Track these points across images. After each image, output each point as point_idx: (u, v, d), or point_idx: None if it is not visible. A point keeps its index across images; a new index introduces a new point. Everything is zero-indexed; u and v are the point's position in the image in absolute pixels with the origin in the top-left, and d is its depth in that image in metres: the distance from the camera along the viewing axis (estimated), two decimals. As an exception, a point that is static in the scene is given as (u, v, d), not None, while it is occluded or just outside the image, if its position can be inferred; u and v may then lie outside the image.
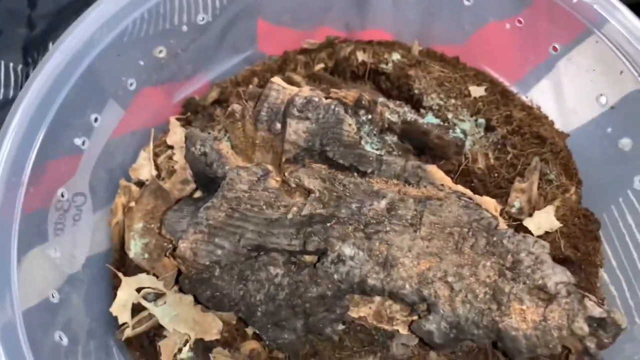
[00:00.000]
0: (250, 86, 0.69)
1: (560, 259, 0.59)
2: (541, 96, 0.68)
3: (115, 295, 0.60)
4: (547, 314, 0.49)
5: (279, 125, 0.60)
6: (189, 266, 0.54)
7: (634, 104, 0.56)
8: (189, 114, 0.71)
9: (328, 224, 0.53)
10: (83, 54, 0.58)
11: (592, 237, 0.62)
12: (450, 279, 0.50)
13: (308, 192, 0.56)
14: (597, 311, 0.50)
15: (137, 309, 0.60)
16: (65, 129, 0.57)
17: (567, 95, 0.66)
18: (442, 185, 0.58)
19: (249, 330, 0.59)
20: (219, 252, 0.53)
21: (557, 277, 0.51)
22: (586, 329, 0.49)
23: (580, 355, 0.52)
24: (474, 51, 0.73)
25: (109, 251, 0.65)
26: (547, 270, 0.51)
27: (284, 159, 0.59)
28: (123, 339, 0.58)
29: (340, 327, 0.57)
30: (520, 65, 0.70)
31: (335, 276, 0.51)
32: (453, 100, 0.68)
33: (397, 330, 0.54)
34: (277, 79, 0.62)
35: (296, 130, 0.59)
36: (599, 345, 0.51)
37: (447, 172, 0.60)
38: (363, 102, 0.63)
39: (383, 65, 0.71)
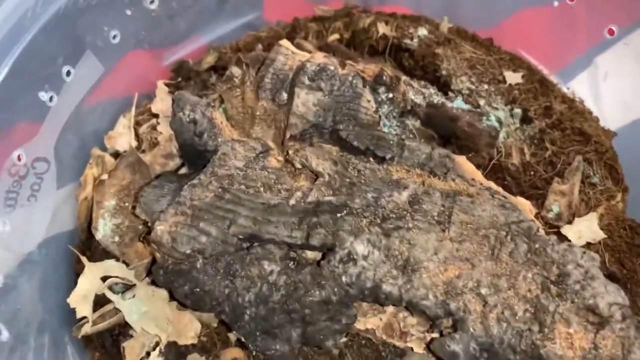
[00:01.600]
0: (253, 52, 0.60)
1: (604, 276, 0.50)
2: (586, 88, 0.60)
3: (76, 283, 0.51)
4: (598, 340, 0.41)
5: (285, 95, 0.51)
6: (165, 254, 0.44)
7: None
8: (179, 79, 0.63)
9: (338, 215, 0.44)
10: (56, -8, 0.48)
11: (639, 252, 0.53)
12: (483, 290, 0.41)
13: (315, 175, 0.47)
14: (656, 341, 0.42)
15: (100, 301, 0.51)
16: (28, 78, 0.48)
17: (617, 87, 0.57)
18: (473, 179, 0.49)
19: (232, 336, 0.50)
20: (204, 239, 0.43)
21: (610, 297, 0.42)
22: (645, 362, 0.40)
23: (632, 393, 0.43)
24: (509, 35, 0.64)
25: (73, 232, 0.55)
26: (599, 288, 0.42)
27: (288, 135, 0.50)
28: (80, 336, 0.49)
29: (343, 339, 0.48)
30: (563, 52, 0.61)
31: (344, 278, 0.42)
32: (486, 86, 0.60)
33: (411, 348, 0.46)
34: (285, 42, 0.54)
35: (305, 102, 0.50)
36: (653, 382, 0.42)
37: (477, 166, 0.52)
38: (384, 78, 0.54)
39: (407, 41, 0.63)
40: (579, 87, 0.61)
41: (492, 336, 0.41)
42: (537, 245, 0.44)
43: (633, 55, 0.54)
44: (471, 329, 0.41)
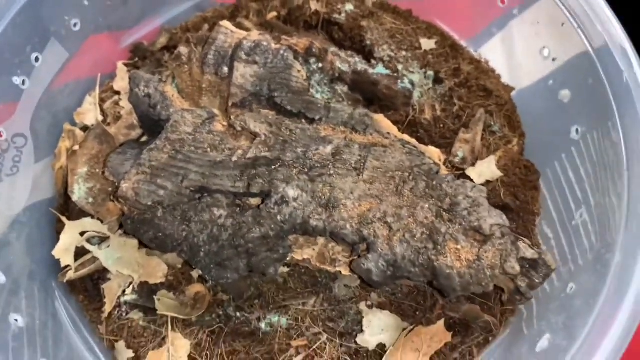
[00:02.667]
0: (200, 32, 0.68)
1: (499, 207, 0.61)
2: (491, 52, 0.69)
3: (58, 240, 0.59)
4: (481, 254, 0.51)
5: (226, 69, 0.60)
6: (131, 207, 0.53)
7: (574, 58, 0.58)
8: (137, 59, 0.70)
9: (273, 167, 0.53)
10: (21, -12, 0.55)
11: (532, 186, 0.64)
12: (389, 219, 0.52)
13: (254, 136, 0.56)
14: (529, 252, 0.52)
15: (80, 253, 0.60)
16: (3, 66, 0.55)
17: (515, 50, 0.67)
18: (389, 133, 0.59)
19: (194, 274, 0.60)
20: (162, 192, 0.53)
21: (492, 219, 0.53)
22: (518, 268, 0.51)
23: (512, 295, 0.54)
24: (427, 6, 0.73)
25: (52, 199, 0.63)
26: (483, 213, 0.53)
27: (230, 104, 0.59)
28: (65, 280, 0.58)
29: (285, 269, 0.59)
30: (473, 22, 0.70)
31: (279, 217, 0.52)
32: (404, 53, 0.69)
33: (340, 272, 0.56)
34: (225, 23, 0.62)
35: (243, 74, 0.59)
36: (530, 286, 0.53)
37: (395, 123, 0.61)
38: (314, 50, 0.63)
39: (336, 16, 0.71)
40: (487, 51, 0.70)
41: (396, 254, 0.51)
42: (434, 182, 0.54)
43: (522, 22, 0.64)
44: (380, 250, 0.51)
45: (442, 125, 0.65)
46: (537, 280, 0.53)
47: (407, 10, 0.74)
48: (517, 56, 0.68)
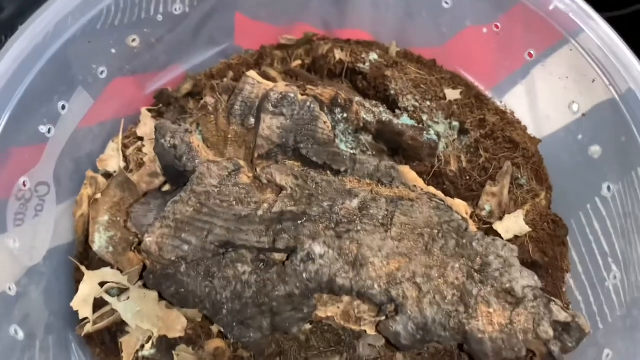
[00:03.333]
0: (225, 80, 0.68)
1: (528, 263, 0.60)
2: (515, 102, 0.69)
3: (77, 289, 0.58)
4: (513, 317, 0.50)
5: (252, 120, 0.59)
6: (154, 261, 0.52)
7: (604, 113, 0.57)
8: (160, 105, 0.70)
9: (299, 222, 0.52)
10: (52, 38, 0.56)
11: (560, 242, 0.63)
12: (418, 279, 0.50)
13: (280, 189, 0.55)
14: (562, 316, 0.51)
15: (99, 304, 0.59)
16: (30, 115, 0.55)
17: (540, 102, 0.66)
18: (415, 186, 0.58)
19: (214, 328, 0.58)
20: (186, 247, 0.52)
21: (524, 281, 0.51)
22: (551, 332, 0.50)
23: (544, 359, 0.52)
24: (451, 55, 0.73)
25: (72, 244, 0.63)
26: (515, 274, 0.51)
27: (256, 155, 0.59)
28: (83, 334, 0.57)
29: (307, 326, 0.57)
30: (496, 71, 0.70)
31: (304, 275, 0.51)
32: (428, 103, 0.68)
33: (365, 331, 0.54)
34: (252, 73, 0.62)
35: (270, 125, 0.59)
36: (563, 350, 0.52)
37: (420, 174, 0.61)
38: (339, 101, 0.63)
39: (360, 65, 0.71)
40: (511, 101, 0.70)
41: (425, 317, 0.49)
42: (464, 240, 0.53)
43: (549, 75, 0.63)
44: (409, 312, 0.50)
45: (468, 177, 0.64)
46: (570, 345, 0.52)
47: (431, 60, 0.74)
48: (542, 108, 0.67)
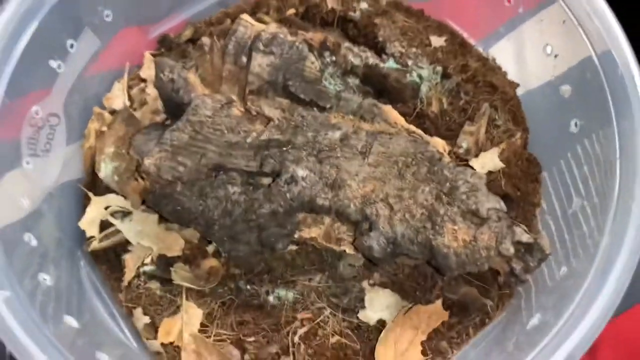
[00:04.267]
0: (222, 25, 0.72)
1: (499, 195, 0.64)
2: (499, 52, 0.72)
3: (84, 213, 0.64)
4: (477, 235, 0.54)
5: (244, 59, 0.64)
6: (153, 181, 0.58)
7: (575, 53, 0.60)
8: (163, 50, 0.74)
9: (284, 149, 0.57)
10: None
11: (533, 179, 0.67)
12: (391, 200, 0.55)
13: (268, 120, 0.60)
14: (524, 237, 0.55)
15: (104, 226, 0.64)
16: (41, 50, 0.60)
17: (522, 50, 0.69)
18: (395, 123, 0.62)
19: (210, 249, 0.64)
20: (181, 169, 0.57)
21: (490, 204, 0.56)
22: (512, 250, 0.54)
23: (507, 277, 0.57)
24: (439, 6, 0.76)
25: (81, 178, 0.68)
26: (481, 197, 0.56)
27: (247, 91, 0.63)
28: (90, 250, 0.62)
29: (293, 247, 0.62)
30: (484, 23, 0.73)
31: (288, 195, 0.56)
32: (414, 49, 0.72)
33: (344, 251, 0.59)
34: (245, 16, 0.66)
35: (260, 63, 0.63)
36: (525, 270, 0.56)
37: (403, 114, 0.64)
38: (328, 44, 0.67)
39: (351, 13, 0.75)
40: (495, 52, 0.73)
41: (396, 232, 0.54)
42: (435, 167, 0.57)
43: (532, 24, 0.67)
44: (381, 228, 0.54)
45: (448, 118, 0.68)
46: (531, 264, 0.56)
47: (419, 9, 0.77)
48: (524, 56, 0.70)
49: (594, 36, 0.57)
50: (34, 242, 0.56)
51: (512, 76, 0.72)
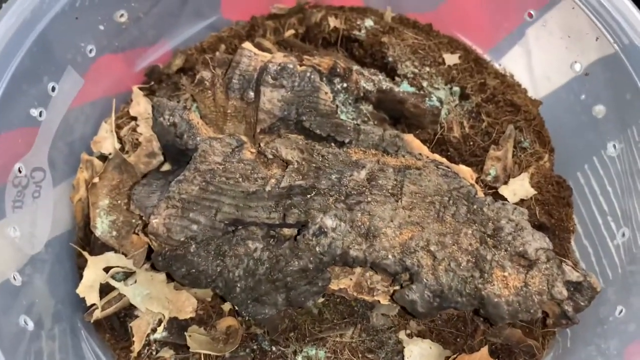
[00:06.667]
0: (217, 53, 0.65)
1: (536, 226, 0.59)
2: (514, 63, 0.68)
3: (81, 275, 0.57)
4: (528, 280, 0.50)
5: (252, 94, 0.58)
6: (162, 243, 0.51)
7: (608, 71, 0.57)
8: (152, 82, 0.68)
9: (308, 196, 0.51)
10: (36, 17, 0.53)
11: (565, 203, 0.63)
12: (432, 247, 0.50)
13: (286, 163, 0.54)
14: (574, 275, 0.51)
15: (105, 289, 0.57)
16: (20, 98, 0.53)
17: (539, 62, 0.65)
18: (420, 154, 0.57)
19: (225, 307, 0.58)
20: (194, 227, 0.50)
21: (536, 243, 0.51)
22: (565, 293, 0.50)
23: (558, 319, 0.53)
24: (446, 18, 0.72)
25: (71, 231, 0.61)
26: (527, 237, 0.51)
27: (258, 129, 0.57)
28: (92, 321, 0.55)
29: (320, 300, 0.57)
30: (493, 32, 0.69)
31: (317, 248, 0.50)
32: (427, 69, 0.67)
33: (378, 301, 0.54)
34: (248, 45, 0.60)
35: (271, 99, 0.57)
36: (575, 309, 0.52)
37: (423, 142, 0.60)
38: (338, 70, 0.61)
39: (356, 32, 0.70)
40: (509, 63, 0.69)
41: (441, 284, 0.49)
42: (475, 206, 0.53)
43: (549, 34, 0.62)
44: (424, 280, 0.49)
45: (471, 143, 0.64)
46: (582, 303, 0.52)
47: (427, 24, 0.72)
48: (542, 68, 0.66)
49: (629, 51, 0.53)
50: (30, 325, 0.48)
51: (530, 90, 0.68)
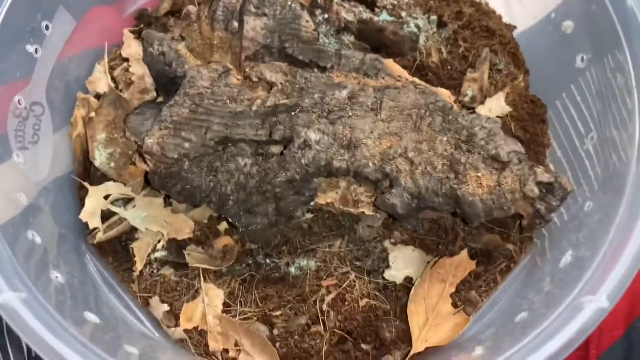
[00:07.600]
0: (203, -9, 0.68)
1: (503, 132, 0.62)
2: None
3: (83, 205, 0.60)
4: (501, 179, 0.53)
5: (236, 24, 0.60)
6: (157, 161, 0.54)
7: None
8: (142, 26, 0.70)
9: (293, 113, 0.55)
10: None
11: (540, 120, 0.66)
12: (410, 154, 0.53)
13: (270, 85, 0.57)
14: (546, 177, 0.54)
15: (106, 216, 0.61)
16: (16, 34, 0.56)
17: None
18: (400, 77, 0.60)
19: (221, 227, 0.61)
20: (187, 145, 0.54)
21: (509, 147, 0.54)
22: (537, 191, 0.53)
23: (532, 219, 0.56)
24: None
25: (72, 172, 0.64)
26: (500, 141, 0.54)
27: (243, 57, 0.60)
28: (95, 242, 0.59)
29: (309, 215, 0.60)
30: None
31: (303, 161, 0.53)
32: (406, 0, 0.70)
33: (363, 213, 0.57)
34: (230, -21, 0.62)
35: (254, 27, 0.60)
36: (548, 209, 0.55)
37: (404, 68, 0.63)
38: (319, 1, 0.64)
39: (335, -33, 0.72)
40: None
41: (419, 186, 0.53)
42: (450, 117, 0.56)
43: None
44: (403, 183, 0.53)
45: (449, 67, 0.66)
46: (554, 204, 0.55)
47: (405, -42, 0.74)
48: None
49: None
50: (38, 240, 0.52)
51: (506, 18, 0.71)
